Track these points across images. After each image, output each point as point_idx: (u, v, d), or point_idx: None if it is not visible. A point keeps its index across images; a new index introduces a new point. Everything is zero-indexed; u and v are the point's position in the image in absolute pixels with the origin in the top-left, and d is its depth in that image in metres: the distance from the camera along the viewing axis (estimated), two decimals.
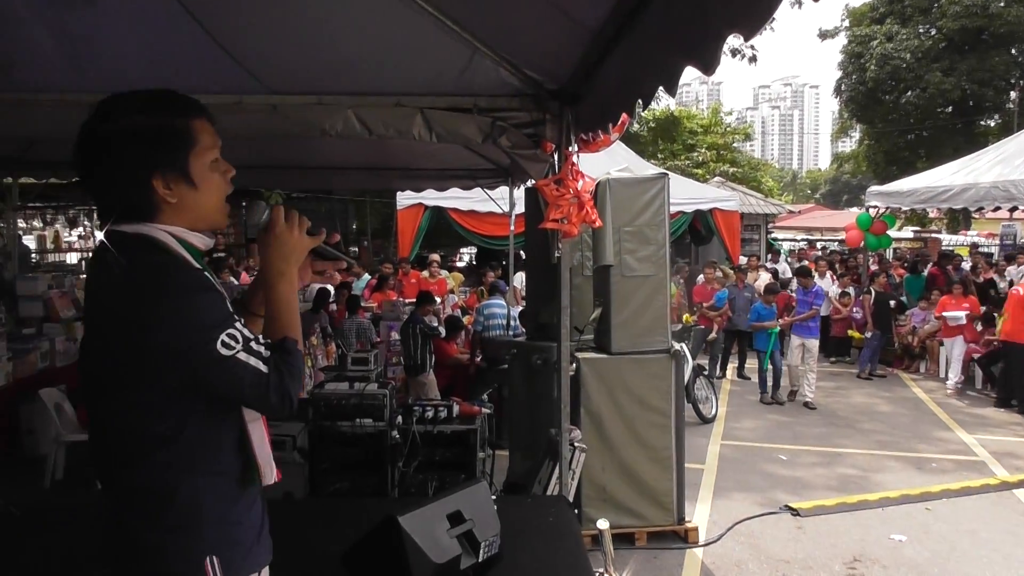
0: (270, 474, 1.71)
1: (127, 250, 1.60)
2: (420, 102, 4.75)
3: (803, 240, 31.69)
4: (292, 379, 1.61)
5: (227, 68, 4.51)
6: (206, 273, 1.65)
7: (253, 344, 1.58)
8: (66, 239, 20.26)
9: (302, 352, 1.69)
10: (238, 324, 1.58)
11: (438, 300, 9.99)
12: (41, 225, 20.58)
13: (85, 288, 1.72)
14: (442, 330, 8.75)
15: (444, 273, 13.03)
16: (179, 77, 4.62)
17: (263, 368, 1.57)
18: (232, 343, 1.55)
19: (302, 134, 4.87)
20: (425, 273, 12.43)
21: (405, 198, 13.30)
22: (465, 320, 9.86)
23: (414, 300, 9.17)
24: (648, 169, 14.22)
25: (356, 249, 22.21)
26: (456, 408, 5.71)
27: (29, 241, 17.63)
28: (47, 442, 7.06)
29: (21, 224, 14.81)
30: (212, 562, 1.61)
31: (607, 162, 10.21)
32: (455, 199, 12.50)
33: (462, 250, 24.04)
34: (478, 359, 8.57)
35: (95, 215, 18.19)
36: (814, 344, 10.63)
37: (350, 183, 10.76)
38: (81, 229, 20.25)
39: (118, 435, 1.64)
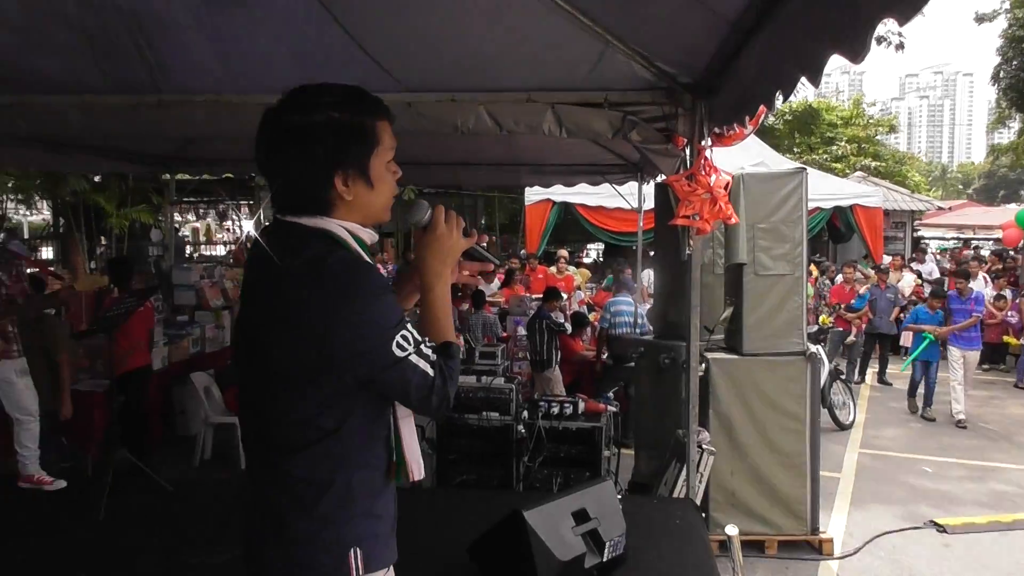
0: (418, 471, 1.71)
1: (309, 244, 1.60)
2: (551, 97, 4.75)
3: (953, 239, 29.73)
4: (452, 383, 1.62)
5: (366, 68, 4.65)
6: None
7: (423, 347, 1.59)
8: (217, 233, 21.57)
9: (459, 359, 1.69)
10: (408, 325, 1.59)
11: (564, 296, 9.99)
12: (194, 218, 21.98)
13: (249, 275, 1.72)
14: (568, 326, 8.75)
15: (571, 269, 13.03)
16: (321, 77, 4.80)
17: (430, 371, 1.58)
18: (405, 344, 1.56)
19: (435, 131, 4.97)
20: (552, 269, 12.47)
21: (533, 194, 13.38)
22: (591, 317, 9.82)
23: (541, 295, 9.20)
24: (784, 164, 13.71)
25: (485, 245, 22.53)
26: (582, 405, 5.69)
27: (184, 234, 18.85)
28: (197, 423, 7.52)
29: (177, 218, 15.87)
30: (355, 554, 1.62)
31: (741, 157, 9.90)
32: (583, 194, 12.46)
33: (589, 246, 23.97)
34: (604, 356, 8.51)
35: (243, 210, 19.29)
36: (975, 357, 9.77)
37: (478, 179, 10.90)
38: (230, 223, 21.51)
39: (282, 424, 1.63)
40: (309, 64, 4.70)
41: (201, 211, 20.47)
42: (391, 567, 1.74)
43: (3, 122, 5.18)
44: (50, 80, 4.98)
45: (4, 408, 5.00)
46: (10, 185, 13.67)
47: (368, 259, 1.64)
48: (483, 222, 23.59)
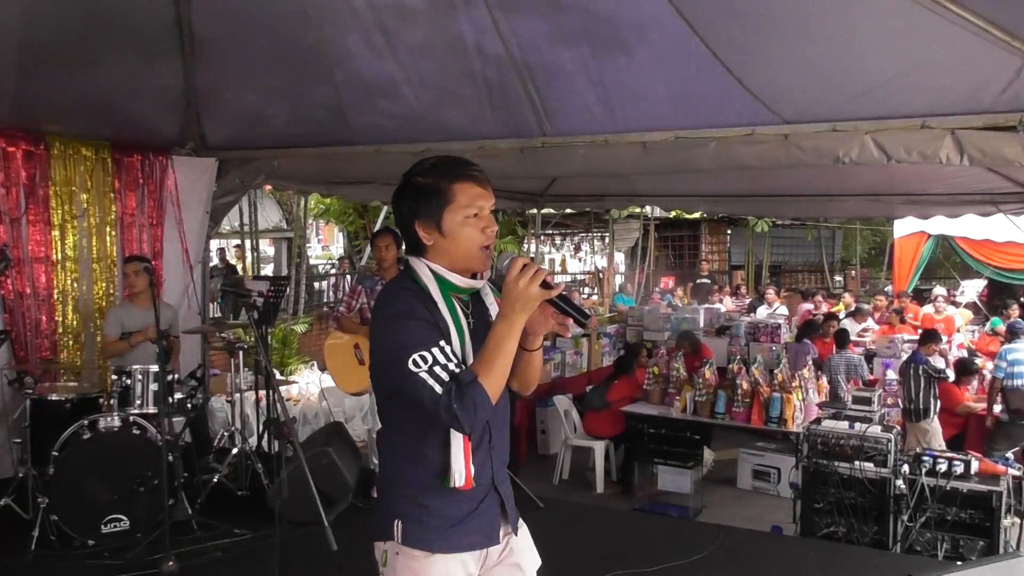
0: (457, 479, 1.97)
1: (399, 274, 2.10)
2: (950, 123, 4.32)
3: None
4: (462, 407, 1.87)
5: (742, 101, 4.63)
6: (440, 306, 1.98)
7: (437, 368, 1.89)
8: (569, 262, 22.79)
9: (483, 390, 1.89)
10: (435, 350, 1.90)
11: (944, 339, 8.96)
12: (551, 250, 23.46)
13: None
14: (950, 372, 7.82)
15: (951, 309, 11.68)
16: (695, 113, 4.89)
17: (438, 390, 1.88)
18: (421, 363, 1.88)
19: (812, 163, 4.78)
20: (929, 308, 11.27)
21: (904, 225, 12.25)
22: (978, 363, 8.68)
23: (916, 337, 8.35)
24: None
25: (841, 279, 21.11)
26: (976, 464, 5.04)
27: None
28: (557, 443, 7.94)
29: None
30: (398, 525, 2.01)
31: None
32: (966, 226, 11.15)
33: (963, 283, 21.32)
34: (997, 410, 7.46)
35: (592, 242, 20.17)
36: None
37: (846, 210, 10.27)
38: (582, 253, 22.64)
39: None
40: (685, 102, 4.79)
41: (558, 242, 21.79)
42: (441, 555, 2.01)
43: None
44: (454, 129, 5.63)
45: None
46: None
47: (436, 294, 1.99)
48: (839, 256, 22.12)
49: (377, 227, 15.35)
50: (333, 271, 17.69)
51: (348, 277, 15.78)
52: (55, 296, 5.86)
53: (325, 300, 14.24)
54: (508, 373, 1.94)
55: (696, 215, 17.97)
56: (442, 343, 1.93)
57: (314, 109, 5.85)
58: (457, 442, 1.98)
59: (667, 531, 5.19)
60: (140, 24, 5.15)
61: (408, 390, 1.92)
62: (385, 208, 14.57)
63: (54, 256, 5.84)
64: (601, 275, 17.92)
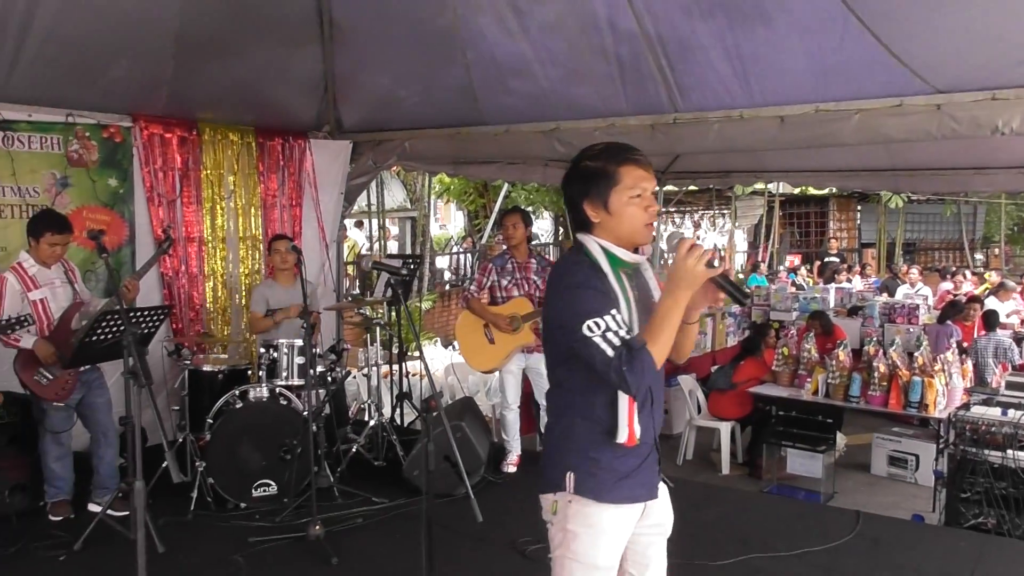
0: (623, 435, 2.15)
1: (571, 250, 2.27)
2: None
3: None
4: (631, 369, 2.02)
5: (889, 71, 4.41)
6: (609, 278, 2.14)
7: (609, 334, 2.05)
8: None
9: (650, 356, 2.03)
10: (607, 317, 2.06)
11: None
12: (667, 228, 23.08)
13: None
14: None
15: None
16: (837, 85, 4.69)
17: (609, 353, 2.04)
18: (595, 328, 2.04)
19: (967, 134, 4.50)
20: None
21: None
22: None
23: None
24: None
25: (983, 257, 19.88)
26: None
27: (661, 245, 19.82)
28: (679, 423, 7.86)
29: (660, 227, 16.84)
30: (570, 477, 2.18)
31: None
32: None
33: None
34: None
35: (714, 220, 19.73)
36: None
37: (994, 184, 9.61)
38: (701, 231, 22.19)
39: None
40: (828, 73, 4.60)
41: (676, 221, 21.42)
42: (611, 505, 2.20)
43: (544, 144, 5.98)
44: (584, 106, 5.61)
45: (535, 397, 5.78)
46: (523, 199, 15.84)
47: (606, 267, 2.15)
48: (981, 233, 20.79)
49: (497, 206, 15.53)
50: (456, 250, 18.01)
51: (469, 256, 16.05)
52: (205, 273, 6.24)
53: (447, 278, 14.53)
54: (672, 343, 2.09)
55: (825, 191, 17.26)
56: (613, 311, 2.10)
57: (445, 90, 5.96)
58: (623, 403, 2.15)
59: (802, 515, 5.06)
60: (284, 15, 5.38)
61: (582, 353, 2.09)
62: (506, 187, 14.72)
63: (204, 236, 6.20)
64: (723, 253, 17.53)
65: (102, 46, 4.97)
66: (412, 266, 6.56)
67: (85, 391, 4.72)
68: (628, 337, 2.08)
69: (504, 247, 5.74)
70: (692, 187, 12.91)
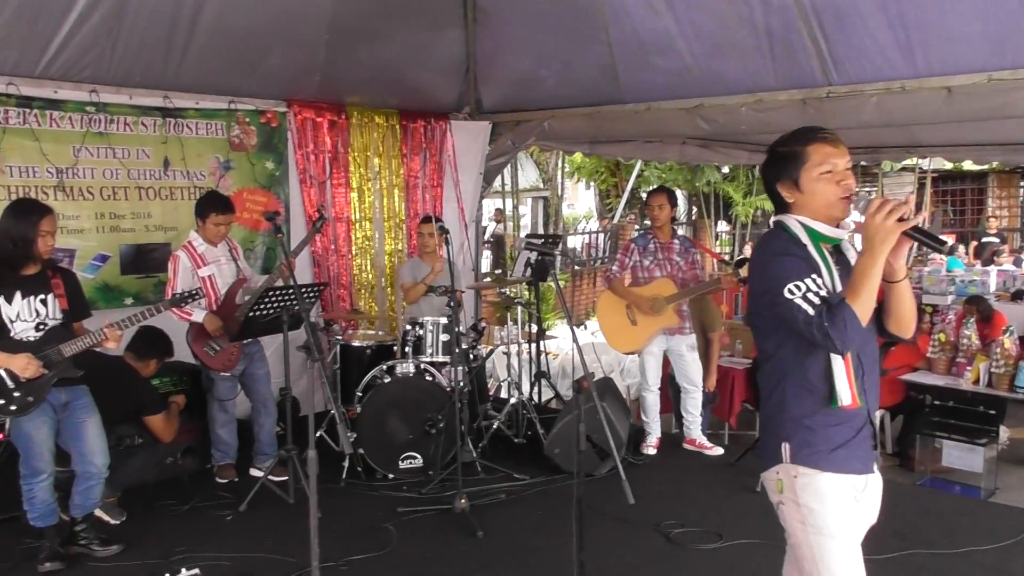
0: (844, 398, 2.17)
1: (771, 229, 2.36)
2: None
3: None
4: (833, 324, 2.06)
5: None
6: (809, 248, 2.21)
7: (810, 295, 2.12)
8: None
9: (851, 310, 2.07)
10: (807, 280, 2.14)
11: None
12: None
13: None
14: None
15: None
16: (1016, 52, 4.35)
17: (811, 311, 2.10)
18: (795, 291, 2.13)
19: None
20: None
21: None
22: None
23: None
24: None
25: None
26: None
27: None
28: None
29: None
30: (785, 447, 2.24)
31: None
32: None
33: None
34: None
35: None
36: None
37: None
38: None
39: (757, 347, 2.42)
40: (1005, 39, 4.26)
41: None
42: (830, 474, 2.21)
43: (686, 122, 5.85)
44: (730, 82, 5.44)
45: (676, 379, 5.70)
46: (655, 178, 15.60)
47: (805, 240, 2.22)
48: None
49: (630, 185, 15.36)
50: (589, 229, 17.95)
51: (602, 236, 15.97)
52: (353, 252, 6.48)
53: (578, 257, 14.52)
54: (874, 299, 2.13)
55: (984, 166, 16.06)
56: (814, 275, 2.18)
57: (586, 69, 5.92)
58: (839, 364, 2.19)
59: (964, 512, 4.78)
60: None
61: (786, 316, 2.17)
62: (639, 165, 14.52)
63: (352, 216, 6.44)
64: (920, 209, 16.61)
65: (262, 35, 5.22)
66: (553, 246, 6.57)
67: (247, 362, 5.01)
68: (828, 296, 2.15)
69: (637, 227, 5.67)
70: None
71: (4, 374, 3.62)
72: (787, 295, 2.14)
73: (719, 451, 5.64)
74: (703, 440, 5.68)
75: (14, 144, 4.79)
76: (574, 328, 3.80)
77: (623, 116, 6.14)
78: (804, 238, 2.24)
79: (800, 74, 5.13)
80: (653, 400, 5.64)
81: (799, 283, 2.14)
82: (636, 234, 14.58)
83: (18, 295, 3.67)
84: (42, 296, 3.74)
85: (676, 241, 5.54)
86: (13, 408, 3.64)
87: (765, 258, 2.30)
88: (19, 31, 4.44)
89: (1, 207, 4.43)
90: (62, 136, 4.97)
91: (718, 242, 17.19)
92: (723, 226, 17.90)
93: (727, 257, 14.20)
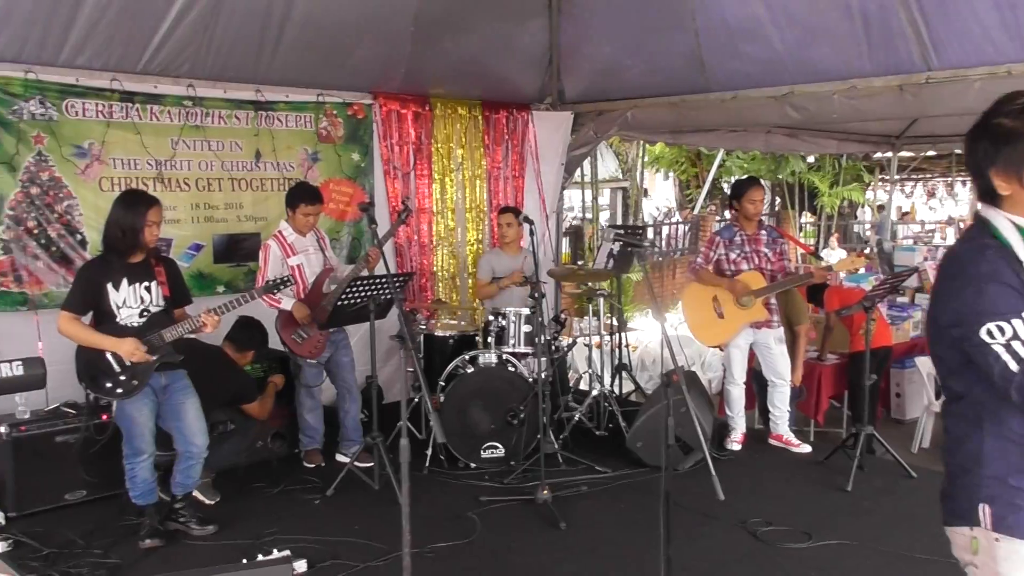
0: None
1: (972, 229, 1.85)
2: None
3: None
4: None
5: None
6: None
7: (1016, 344, 1.66)
8: (918, 212, 20.59)
9: None
10: (1016, 321, 1.67)
11: None
12: (902, 196, 21.27)
13: None
14: None
15: None
16: None
17: (1013, 367, 1.66)
18: (997, 334, 1.67)
19: None
20: None
21: None
22: None
23: None
24: None
25: None
26: None
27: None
28: (914, 407, 7.29)
29: (883, 196, 15.65)
30: (984, 510, 1.80)
31: None
32: None
33: None
34: None
35: (955, 188, 18.01)
36: None
37: None
38: (935, 201, 20.33)
39: (941, 383, 1.94)
40: None
41: (907, 189, 19.80)
42: None
43: (775, 110, 5.70)
44: (822, 69, 5.28)
45: (762, 372, 5.58)
46: (737, 168, 15.28)
47: (1021, 253, 1.72)
48: None
49: (711, 175, 15.08)
50: (669, 220, 17.71)
51: (681, 227, 15.74)
52: (435, 242, 6.55)
53: (656, 248, 14.35)
54: None
55: None
56: None
57: (671, 57, 5.84)
58: None
59: None
60: None
61: (977, 360, 1.74)
62: (720, 155, 14.25)
63: (434, 207, 6.50)
64: (962, 224, 16.00)
65: (350, 29, 5.31)
66: (639, 237, 6.51)
67: (333, 350, 5.12)
68: None
69: (719, 218, 5.56)
70: (930, 152, 11.83)
71: (111, 358, 3.79)
72: (984, 336, 1.69)
73: (807, 448, 5.50)
74: (790, 437, 5.54)
75: (117, 137, 4.99)
76: (663, 320, 3.74)
77: (708, 105, 6.03)
78: (1019, 248, 1.74)
79: (897, 59, 4.95)
80: (738, 394, 5.53)
81: (1003, 324, 1.68)
82: (719, 226, 14.36)
83: (125, 282, 3.83)
84: (146, 283, 3.90)
85: (763, 232, 5.41)
86: (119, 391, 3.81)
87: (963, 280, 1.78)
88: (122, 29, 4.62)
89: (104, 198, 4.70)
90: (161, 129, 5.16)
91: (802, 233, 16.73)
92: (807, 217, 17.42)
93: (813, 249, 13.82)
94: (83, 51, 4.65)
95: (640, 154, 15.26)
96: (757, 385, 5.84)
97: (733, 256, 5.35)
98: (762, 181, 7.08)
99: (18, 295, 4.70)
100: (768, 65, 5.46)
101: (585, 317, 8.44)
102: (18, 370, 3.26)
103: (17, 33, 4.37)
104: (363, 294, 4.62)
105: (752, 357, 5.58)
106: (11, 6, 4.20)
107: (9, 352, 4.44)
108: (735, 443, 5.51)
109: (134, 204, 3.85)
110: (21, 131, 4.64)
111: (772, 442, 5.59)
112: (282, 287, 4.37)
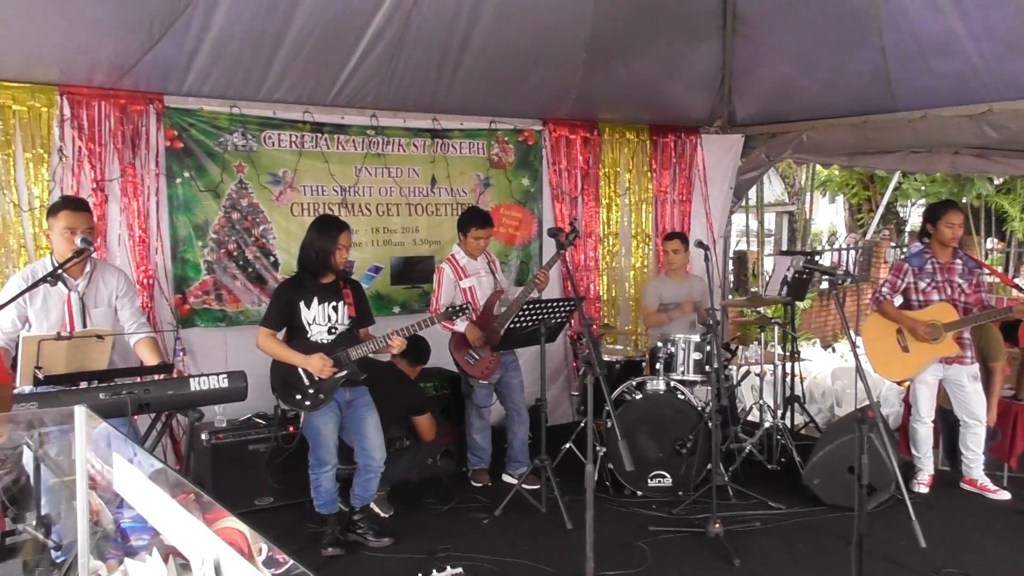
0: None
1: None
2: None
3: None
4: None
5: None
6: None
7: None
8: None
9: None
10: None
11: None
12: None
13: None
14: None
15: None
16: None
17: None
18: None
19: None
20: None
21: None
22: None
23: None
24: None
25: None
26: None
27: None
28: None
29: None
30: None
31: None
32: None
33: None
34: None
35: None
36: None
37: None
38: None
39: None
40: None
41: None
42: None
43: (970, 130, 5.33)
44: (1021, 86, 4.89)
45: (947, 409, 5.18)
46: (914, 191, 14.36)
47: None
48: None
49: (885, 199, 14.25)
50: (839, 246, 16.88)
51: (852, 252, 14.96)
52: (600, 266, 6.54)
53: (851, 276, 13.63)
54: None
55: None
56: None
57: (854, 76, 5.58)
58: None
59: None
60: (689, 11, 5.43)
61: None
62: (896, 177, 13.45)
63: (600, 231, 6.51)
64: None
65: (524, 56, 5.42)
66: (813, 265, 6.22)
67: (503, 371, 5.19)
68: None
69: (893, 244, 5.21)
70: None
71: (302, 372, 4.02)
72: None
73: (1006, 495, 5.02)
74: (986, 482, 5.09)
75: (307, 166, 5.33)
76: (856, 352, 3.55)
77: (894, 125, 5.71)
78: None
79: None
80: (926, 433, 5.15)
81: None
82: (894, 252, 13.50)
83: (315, 300, 4.06)
84: (334, 303, 4.11)
85: (958, 261, 5.02)
86: (308, 404, 4.03)
87: None
88: (314, 65, 4.93)
89: (295, 222, 5.01)
90: (346, 158, 5.46)
91: (987, 261, 15.49)
92: (992, 243, 16.12)
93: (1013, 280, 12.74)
94: (280, 86, 5.01)
95: (809, 177, 14.66)
96: (942, 424, 5.43)
97: (923, 286, 5.00)
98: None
99: (218, 312, 5.10)
100: (962, 81, 5.11)
101: (751, 345, 8.17)
102: (224, 382, 3.53)
103: (224, 72, 4.76)
104: (535, 317, 4.67)
105: (939, 393, 5.19)
106: (220, 49, 4.57)
107: (205, 364, 4.83)
108: (922, 485, 5.13)
109: (328, 228, 4.08)
110: (225, 161, 5.05)
111: (964, 486, 5.15)
112: (461, 314, 4.49)
